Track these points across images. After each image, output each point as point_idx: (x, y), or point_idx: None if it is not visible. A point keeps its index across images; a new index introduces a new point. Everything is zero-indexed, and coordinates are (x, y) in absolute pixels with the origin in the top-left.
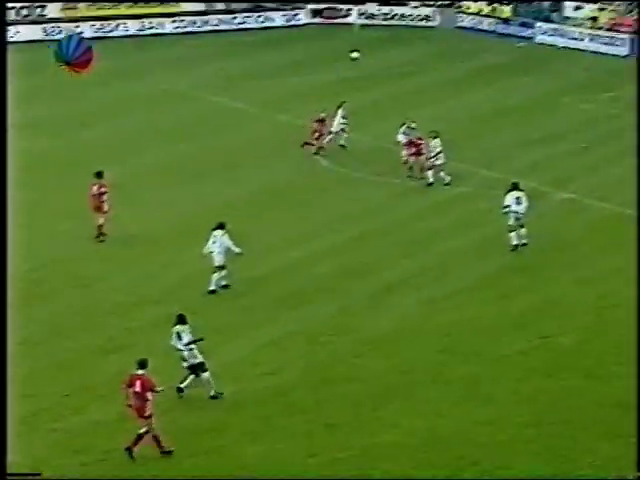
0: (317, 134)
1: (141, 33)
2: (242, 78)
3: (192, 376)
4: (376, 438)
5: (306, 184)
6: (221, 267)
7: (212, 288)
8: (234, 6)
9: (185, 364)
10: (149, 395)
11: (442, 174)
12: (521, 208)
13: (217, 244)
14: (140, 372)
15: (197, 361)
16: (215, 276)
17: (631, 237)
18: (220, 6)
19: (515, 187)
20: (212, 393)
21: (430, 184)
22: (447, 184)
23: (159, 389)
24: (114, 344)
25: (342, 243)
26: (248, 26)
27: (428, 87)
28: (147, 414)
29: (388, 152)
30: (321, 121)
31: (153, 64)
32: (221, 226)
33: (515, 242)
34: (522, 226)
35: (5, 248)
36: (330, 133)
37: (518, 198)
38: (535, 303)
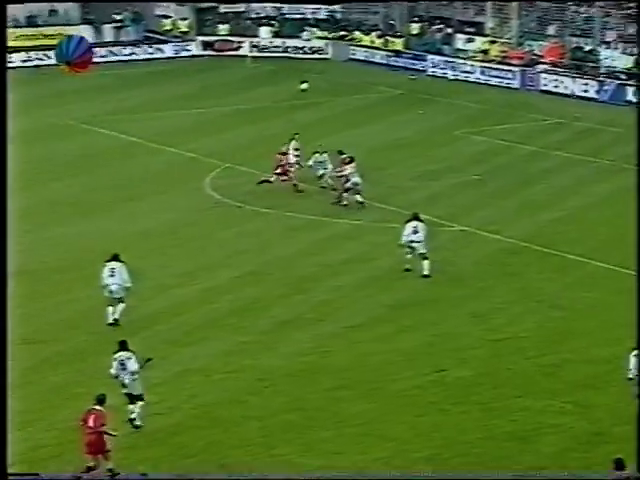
0: (280, 167)
1: (25, 65)
2: (133, 110)
3: (132, 405)
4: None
5: (201, 219)
6: (121, 300)
7: (115, 318)
8: (123, 37)
9: (124, 390)
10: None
11: (358, 197)
12: (417, 237)
13: (116, 277)
14: (95, 407)
15: (136, 392)
16: (110, 310)
17: (522, 270)
18: (109, 37)
19: (415, 217)
20: (139, 423)
21: (345, 205)
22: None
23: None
24: None
25: (236, 279)
26: (137, 57)
27: (321, 120)
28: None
29: (280, 185)
30: (284, 154)
31: (39, 97)
32: (116, 257)
33: (425, 272)
34: (425, 258)
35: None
36: (291, 166)
37: (415, 227)
38: (430, 337)
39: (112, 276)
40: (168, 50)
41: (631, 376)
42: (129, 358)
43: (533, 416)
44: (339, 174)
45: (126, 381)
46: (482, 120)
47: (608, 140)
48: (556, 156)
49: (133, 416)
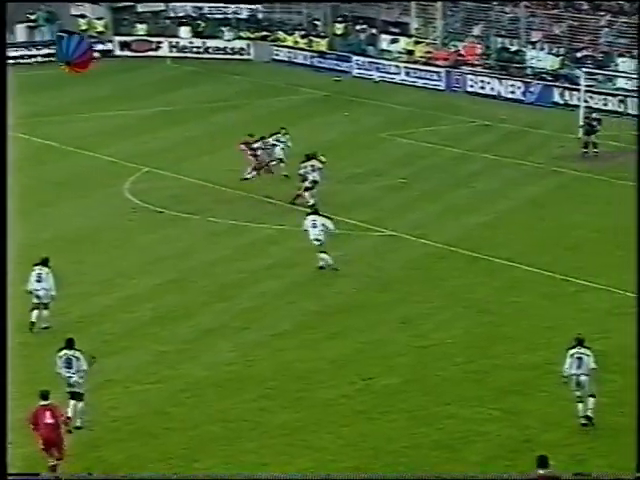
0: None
1: None
2: (49, 113)
3: (73, 402)
4: None
5: (120, 224)
6: (46, 306)
7: (45, 326)
8: (37, 38)
9: (69, 389)
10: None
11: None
12: (317, 231)
13: (43, 282)
14: (45, 403)
15: (82, 390)
16: (35, 313)
17: (449, 274)
18: (22, 37)
19: (315, 211)
20: (80, 424)
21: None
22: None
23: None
24: None
25: (157, 286)
26: (52, 59)
27: (244, 122)
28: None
29: (203, 189)
30: (247, 144)
31: None
32: (45, 262)
33: (321, 264)
34: (322, 251)
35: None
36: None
37: (314, 220)
38: (357, 345)
39: (39, 281)
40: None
41: (565, 375)
42: (77, 358)
43: (461, 424)
44: (299, 172)
45: (72, 379)
46: (408, 122)
47: (535, 142)
48: (483, 158)
49: (77, 421)
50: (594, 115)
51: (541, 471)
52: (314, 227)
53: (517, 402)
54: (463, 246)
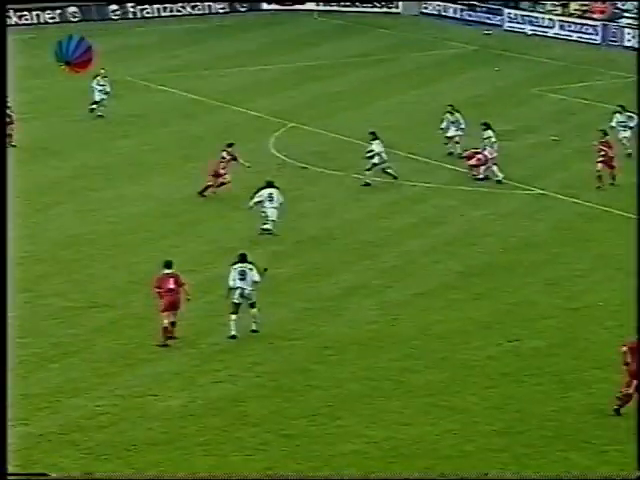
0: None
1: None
2: (194, 67)
3: (235, 316)
4: (336, 448)
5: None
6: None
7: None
8: None
9: (246, 301)
10: (181, 290)
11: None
12: (271, 205)
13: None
14: (169, 271)
15: (254, 299)
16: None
17: (601, 236)
18: None
19: (269, 184)
20: (255, 327)
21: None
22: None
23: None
24: (58, 351)
25: (299, 243)
26: (197, 12)
27: (390, 77)
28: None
29: (348, 145)
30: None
31: (99, 54)
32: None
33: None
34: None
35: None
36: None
37: (271, 194)
38: (502, 306)
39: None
40: (235, 4)
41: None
42: (251, 269)
43: (612, 388)
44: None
45: (246, 291)
46: (561, 77)
47: None
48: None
49: (254, 325)
50: None
51: None
52: (270, 200)
53: None
54: (616, 206)
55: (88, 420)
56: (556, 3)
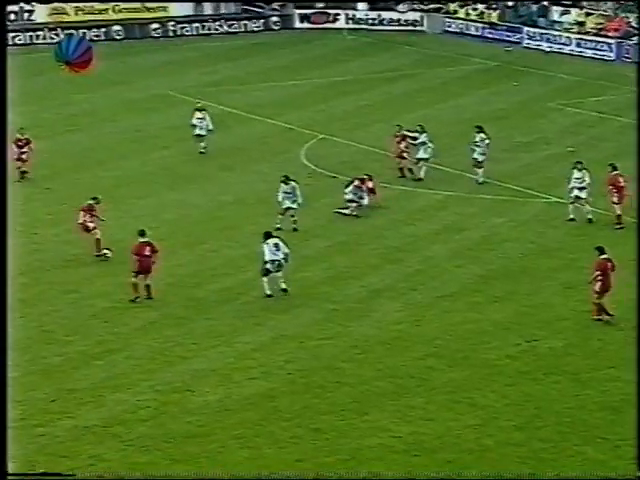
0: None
1: (128, 37)
2: (229, 82)
3: (267, 278)
4: (363, 442)
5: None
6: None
7: (283, 288)
8: (222, 10)
9: (277, 269)
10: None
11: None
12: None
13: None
14: (144, 240)
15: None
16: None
17: (615, 242)
18: (208, 10)
19: (287, 178)
20: (284, 286)
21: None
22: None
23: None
24: (101, 349)
25: (328, 248)
26: (233, 30)
27: (416, 92)
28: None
29: (375, 155)
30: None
31: (141, 69)
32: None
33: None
34: (292, 215)
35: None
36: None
37: (293, 188)
38: (521, 308)
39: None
40: (270, 23)
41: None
42: (282, 240)
43: (625, 386)
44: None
45: (282, 261)
46: (577, 92)
47: None
48: None
49: (283, 284)
50: None
51: None
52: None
53: None
54: (630, 214)
55: (130, 414)
56: (572, 22)
